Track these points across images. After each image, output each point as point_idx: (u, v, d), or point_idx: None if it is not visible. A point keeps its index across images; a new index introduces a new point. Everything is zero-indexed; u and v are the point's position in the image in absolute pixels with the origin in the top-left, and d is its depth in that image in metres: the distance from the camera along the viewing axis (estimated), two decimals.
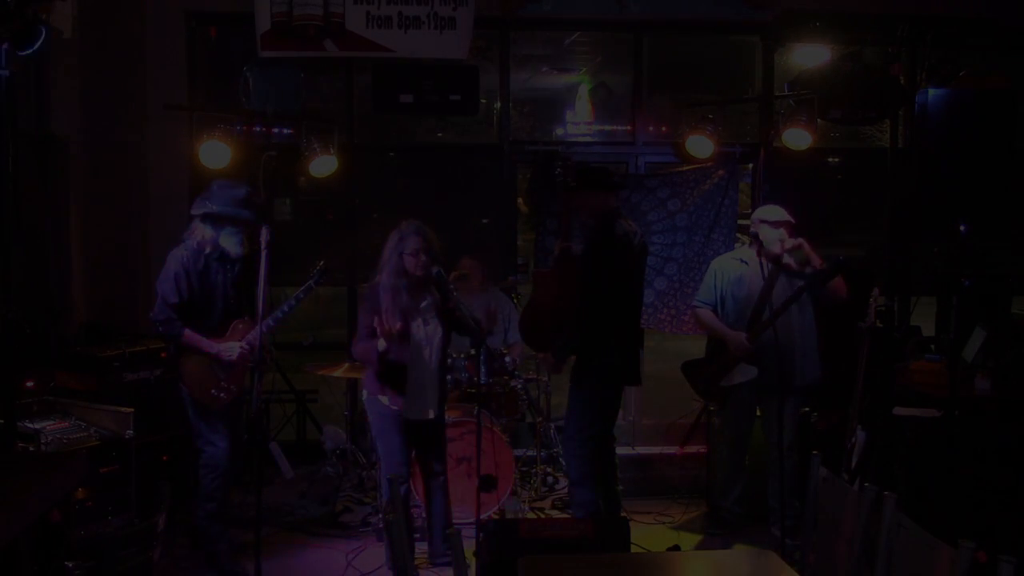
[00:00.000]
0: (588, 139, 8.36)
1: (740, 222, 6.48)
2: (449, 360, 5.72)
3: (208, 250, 4.59)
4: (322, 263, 4.77)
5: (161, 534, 4.68)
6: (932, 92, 5.33)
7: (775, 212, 5.09)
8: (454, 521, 5.18)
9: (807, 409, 5.54)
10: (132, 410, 4.75)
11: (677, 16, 6.86)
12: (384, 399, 4.60)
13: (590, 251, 4.94)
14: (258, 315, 4.36)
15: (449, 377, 5.37)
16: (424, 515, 5.34)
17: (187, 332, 4.59)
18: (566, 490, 5.89)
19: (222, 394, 4.65)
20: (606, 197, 4.94)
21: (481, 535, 4.12)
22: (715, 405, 5.46)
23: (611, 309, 4.80)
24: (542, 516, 5.60)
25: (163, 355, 5.37)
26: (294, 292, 4.74)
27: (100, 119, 6.14)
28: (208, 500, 4.69)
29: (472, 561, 4.10)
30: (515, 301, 6.41)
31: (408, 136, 8.01)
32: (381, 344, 4.43)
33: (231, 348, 4.64)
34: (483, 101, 6.86)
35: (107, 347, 5.37)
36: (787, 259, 4.90)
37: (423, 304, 4.59)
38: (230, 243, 4.60)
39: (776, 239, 4.94)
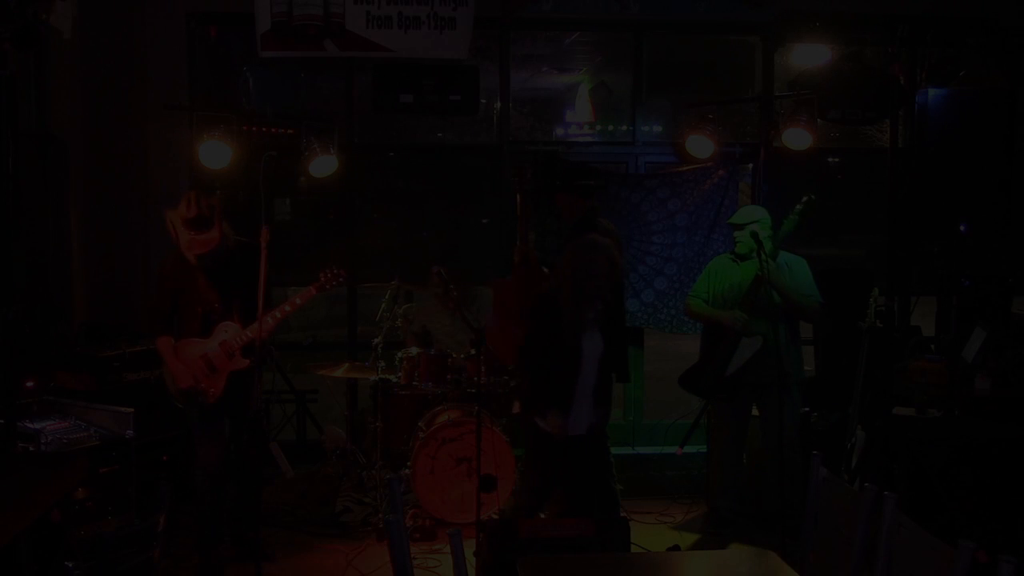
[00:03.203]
0: (588, 139, 8.37)
1: (729, 221, 6.48)
2: (449, 360, 5.74)
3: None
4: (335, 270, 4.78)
5: (161, 534, 4.66)
6: (932, 92, 5.34)
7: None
8: (453, 521, 5.19)
9: (807, 409, 5.54)
10: (132, 410, 4.75)
11: (677, 16, 6.86)
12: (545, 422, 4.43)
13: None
14: (259, 314, 4.35)
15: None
16: (425, 515, 5.36)
17: (160, 340, 4.62)
18: None
19: (200, 396, 4.59)
20: (583, 199, 4.96)
21: (481, 535, 4.12)
22: (724, 398, 5.40)
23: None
24: (542, 516, 5.60)
25: None
26: (295, 292, 4.73)
27: (100, 119, 6.14)
28: (199, 502, 4.68)
29: (472, 561, 4.10)
30: None
31: (408, 136, 8.01)
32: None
33: (182, 377, 4.56)
34: (483, 101, 6.87)
35: (107, 347, 5.37)
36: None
37: (590, 316, 4.43)
38: (188, 253, 4.56)
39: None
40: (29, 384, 4.86)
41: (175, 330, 4.65)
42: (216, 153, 5.63)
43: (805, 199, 5.08)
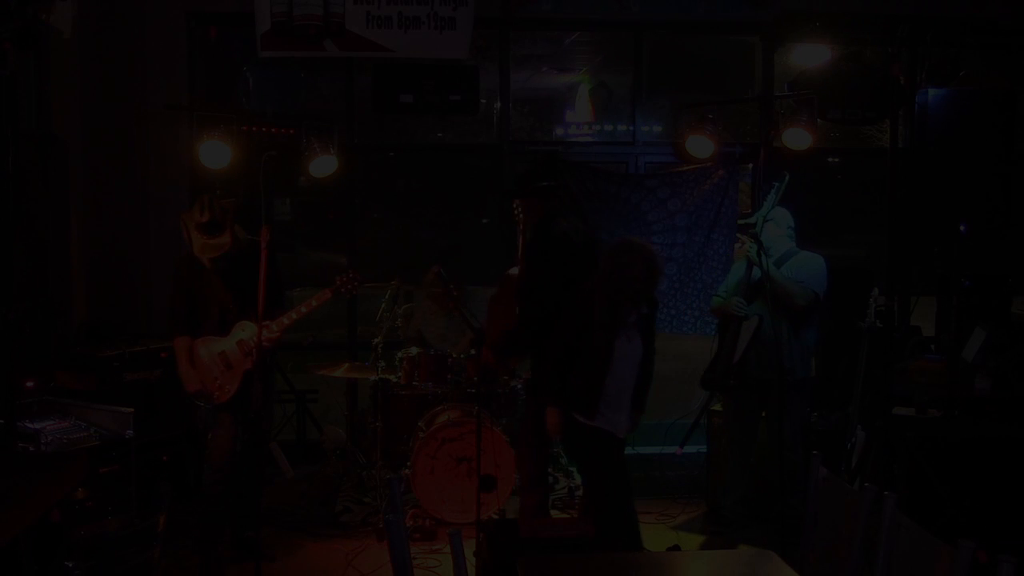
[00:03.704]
0: (588, 139, 8.37)
1: (740, 222, 6.49)
2: (449, 360, 5.75)
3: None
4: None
5: (161, 534, 4.66)
6: (932, 92, 5.32)
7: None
8: (453, 521, 5.19)
9: (807, 409, 5.54)
10: (132, 410, 4.75)
11: (677, 16, 6.86)
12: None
13: (528, 255, 4.96)
14: (259, 311, 4.36)
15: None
16: (425, 515, 5.35)
17: (177, 340, 4.70)
18: (566, 490, 5.91)
19: (215, 392, 4.66)
20: (540, 201, 4.96)
21: (481, 535, 4.12)
22: (736, 384, 5.38)
23: (552, 310, 4.66)
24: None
25: (163, 355, 5.38)
26: (298, 293, 4.75)
27: (100, 119, 6.14)
28: (205, 500, 4.71)
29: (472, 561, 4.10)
30: None
31: (408, 136, 8.02)
32: None
33: (190, 381, 4.67)
34: (483, 101, 6.87)
35: (107, 347, 5.38)
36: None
37: (630, 319, 4.40)
38: (202, 256, 4.60)
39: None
40: (29, 384, 4.86)
41: (195, 328, 4.71)
42: (216, 153, 5.63)
43: (780, 177, 5.16)
